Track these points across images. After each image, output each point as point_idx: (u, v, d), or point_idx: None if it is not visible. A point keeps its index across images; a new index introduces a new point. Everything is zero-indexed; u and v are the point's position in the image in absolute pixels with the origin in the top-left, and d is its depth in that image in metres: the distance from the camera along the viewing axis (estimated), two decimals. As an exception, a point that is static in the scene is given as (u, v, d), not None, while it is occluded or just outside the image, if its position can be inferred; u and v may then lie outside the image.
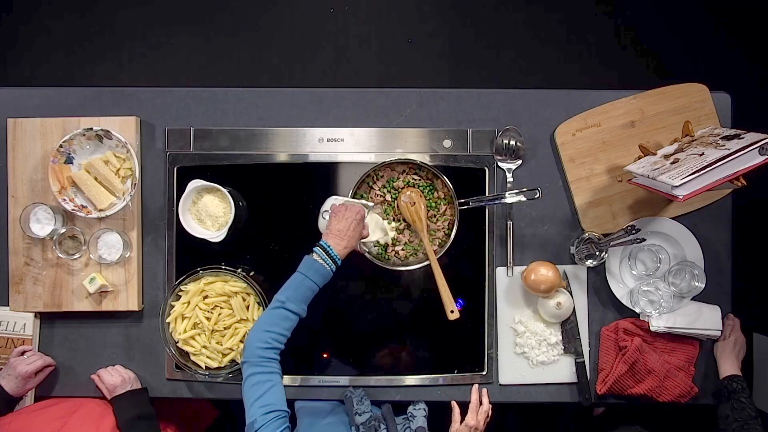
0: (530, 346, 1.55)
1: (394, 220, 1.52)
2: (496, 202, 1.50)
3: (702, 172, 1.26)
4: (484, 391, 1.52)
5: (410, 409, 1.49)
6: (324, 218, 1.41)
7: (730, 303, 1.57)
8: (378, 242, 1.51)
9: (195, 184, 1.48)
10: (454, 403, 1.48)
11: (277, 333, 1.19)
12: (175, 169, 1.57)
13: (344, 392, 1.49)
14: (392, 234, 1.51)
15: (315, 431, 1.43)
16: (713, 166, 1.26)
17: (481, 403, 1.49)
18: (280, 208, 1.58)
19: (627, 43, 2.53)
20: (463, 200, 1.49)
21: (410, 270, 1.50)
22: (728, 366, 1.49)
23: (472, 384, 1.55)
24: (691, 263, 1.51)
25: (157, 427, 1.46)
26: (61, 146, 1.49)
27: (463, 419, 1.45)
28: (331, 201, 1.43)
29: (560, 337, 1.56)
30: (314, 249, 1.27)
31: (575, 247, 1.53)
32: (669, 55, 2.52)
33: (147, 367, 1.57)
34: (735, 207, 1.58)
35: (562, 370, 1.56)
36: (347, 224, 1.30)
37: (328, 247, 1.26)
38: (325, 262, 1.25)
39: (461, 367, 1.56)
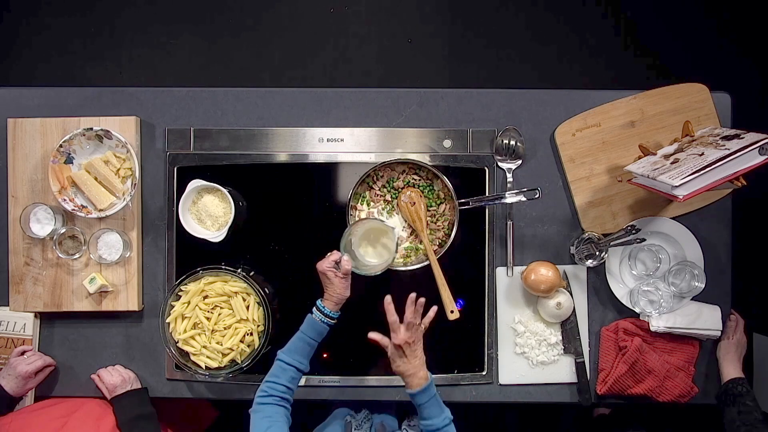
0: (530, 346, 1.55)
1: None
2: (496, 202, 1.50)
3: (702, 172, 1.25)
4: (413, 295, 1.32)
5: (404, 425, 1.51)
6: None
7: (730, 303, 1.57)
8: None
9: (195, 184, 1.48)
10: (387, 300, 1.30)
11: (272, 382, 1.27)
12: (175, 169, 1.56)
13: (345, 416, 1.49)
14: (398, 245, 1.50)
15: None
16: (713, 166, 1.26)
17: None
18: (280, 208, 1.58)
19: (627, 43, 2.53)
20: (463, 200, 1.49)
21: (410, 270, 1.50)
22: (731, 368, 1.48)
23: (472, 384, 1.55)
24: (691, 263, 1.51)
25: (157, 426, 1.46)
26: (61, 146, 1.49)
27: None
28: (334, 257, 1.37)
29: (560, 337, 1.56)
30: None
31: (575, 247, 1.53)
32: (669, 55, 2.52)
33: (147, 367, 1.57)
34: (735, 207, 1.58)
35: (562, 370, 1.56)
36: (326, 284, 1.36)
37: (319, 304, 1.35)
38: (316, 316, 1.34)
39: (461, 367, 1.56)
